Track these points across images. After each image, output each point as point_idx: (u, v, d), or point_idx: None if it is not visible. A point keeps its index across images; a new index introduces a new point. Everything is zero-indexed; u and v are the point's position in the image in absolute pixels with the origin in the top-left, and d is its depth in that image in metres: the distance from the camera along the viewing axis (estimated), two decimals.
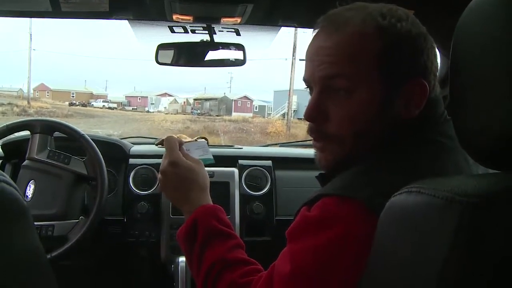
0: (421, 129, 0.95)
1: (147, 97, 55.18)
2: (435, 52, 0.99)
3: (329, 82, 0.95)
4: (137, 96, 56.87)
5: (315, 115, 0.98)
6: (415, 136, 0.94)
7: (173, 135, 1.32)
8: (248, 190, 2.14)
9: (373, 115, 0.94)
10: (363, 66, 0.93)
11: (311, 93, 1.01)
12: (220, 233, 1.15)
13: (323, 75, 0.95)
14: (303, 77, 1.02)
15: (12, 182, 0.64)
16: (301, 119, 27.13)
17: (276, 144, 2.91)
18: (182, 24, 1.70)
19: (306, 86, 1.04)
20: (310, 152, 2.34)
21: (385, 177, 0.86)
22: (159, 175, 1.28)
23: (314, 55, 0.98)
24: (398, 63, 0.93)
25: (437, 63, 1.00)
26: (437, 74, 1.01)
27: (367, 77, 0.93)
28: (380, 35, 0.92)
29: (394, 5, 0.98)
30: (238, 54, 1.85)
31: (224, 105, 46.94)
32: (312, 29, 1.02)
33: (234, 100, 48.68)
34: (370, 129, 0.95)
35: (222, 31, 1.77)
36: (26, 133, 2.00)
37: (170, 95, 55.89)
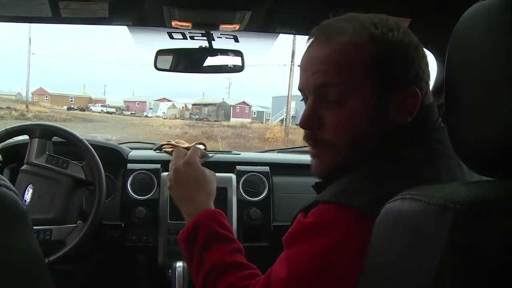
0: (414, 136, 0.97)
1: (145, 102, 55.09)
2: (426, 61, 1.00)
3: (322, 91, 0.97)
4: (135, 101, 56.78)
5: (310, 123, 1.00)
6: (409, 143, 0.96)
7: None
8: (245, 196, 2.14)
9: (366, 122, 0.95)
10: (355, 74, 0.94)
11: (305, 102, 1.03)
12: (221, 237, 1.17)
13: (317, 84, 0.97)
14: (298, 87, 1.04)
15: (11, 186, 0.65)
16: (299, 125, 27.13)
17: (274, 150, 2.91)
18: (181, 31, 1.71)
19: (302, 98, 1.05)
20: (307, 158, 2.34)
21: (380, 184, 0.87)
22: (168, 173, 1.30)
23: (307, 65, 0.99)
24: (390, 72, 0.95)
25: (429, 72, 1.01)
26: (430, 81, 1.02)
27: (360, 85, 0.94)
28: (372, 44, 0.94)
29: (385, 15, 1.00)
30: (236, 60, 1.86)
31: (222, 110, 46.92)
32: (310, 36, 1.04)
33: (233, 105, 48.66)
34: (364, 136, 0.96)
35: (221, 37, 1.77)
36: (24, 137, 2.00)
37: (168, 100, 55.84)
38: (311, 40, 1.01)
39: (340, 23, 0.98)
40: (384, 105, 0.95)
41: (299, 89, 1.04)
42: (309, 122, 1.00)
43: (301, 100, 1.06)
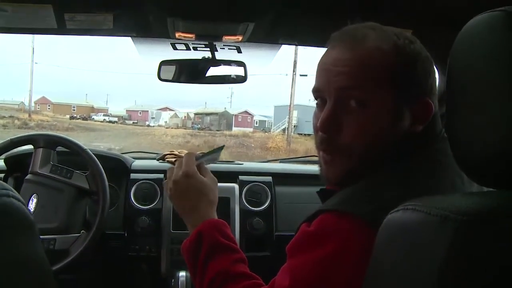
0: (420, 146, 0.98)
1: (148, 111, 55.09)
2: (435, 75, 1.03)
3: (345, 93, 0.97)
4: (138, 110, 56.78)
5: (330, 126, 0.99)
6: (415, 153, 0.97)
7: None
8: (248, 206, 2.15)
9: (384, 128, 0.97)
10: (379, 80, 0.95)
11: (320, 104, 1.03)
12: (224, 247, 1.17)
13: (340, 86, 0.97)
14: (314, 88, 1.03)
15: (19, 197, 0.66)
16: (301, 134, 27.16)
17: (276, 160, 2.92)
18: (184, 42, 1.72)
19: (315, 97, 1.05)
20: (310, 168, 2.38)
21: (383, 193, 0.88)
22: (167, 184, 1.30)
23: (331, 66, 0.99)
24: (410, 82, 0.97)
25: (436, 86, 1.04)
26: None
27: (382, 91, 0.95)
28: (396, 53, 0.96)
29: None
30: (239, 71, 1.86)
31: (224, 119, 46.87)
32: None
33: (235, 115, 48.61)
34: (379, 142, 0.97)
35: (224, 48, 1.78)
36: (29, 147, 2.01)
37: (171, 109, 55.84)
38: (333, 43, 1.01)
39: (364, 29, 0.99)
40: (401, 114, 0.97)
41: (316, 90, 1.03)
42: (328, 125, 0.99)
43: (314, 100, 1.05)
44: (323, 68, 1.01)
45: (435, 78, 1.03)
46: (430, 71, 1.00)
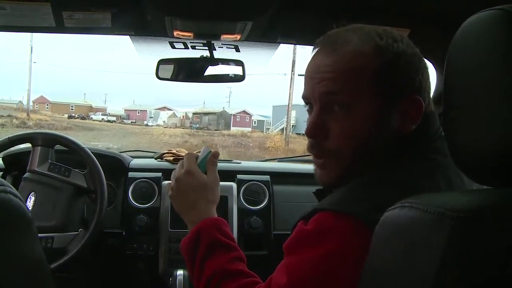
0: (416, 145, 0.98)
1: (146, 110, 55.11)
2: (428, 72, 1.02)
3: (329, 98, 0.97)
4: (136, 110, 56.76)
5: (316, 131, 1.00)
6: (410, 152, 0.97)
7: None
8: (246, 205, 2.15)
9: (371, 130, 0.97)
10: (361, 82, 0.95)
11: (310, 110, 1.04)
12: (222, 245, 1.17)
13: (324, 91, 0.98)
14: (303, 95, 1.05)
15: (18, 194, 0.66)
16: (299, 134, 27.15)
17: (274, 159, 2.92)
18: (182, 40, 1.72)
19: (305, 104, 1.06)
20: (308, 167, 2.37)
21: (379, 192, 0.88)
22: (170, 182, 1.30)
23: (314, 73, 1.00)
24: (394, 81, 0.96)
25: (430, 83, 1.03)
26: (432, 91, 1.04)
27: (365, 93, 0.95)
28: (378, 54, 0.95)
29: (389, 27, 1.02)
30: (237, 70, 1.86)
31: (223, 119, 46.90)
32: (311, 46, 1.05)
33: (233, 114, 48.65)
34: (369, 144, 0.97)
35: (222, 47, 1.78)
36: (27, 145, 2.02)
37: (169, 109, 55.85)
38: (317, 49, 1.02)
39: (346, 33, 1.00)
40: (389, 114, 0.97)
41: (304, 97, 1.04)
42: (315, 131, 1.00)
43: (305, 108, 1.06)
44: (308, 76, 1.02)
45: (426, 74, 1.01)
46: (419, 68, 0.99)
